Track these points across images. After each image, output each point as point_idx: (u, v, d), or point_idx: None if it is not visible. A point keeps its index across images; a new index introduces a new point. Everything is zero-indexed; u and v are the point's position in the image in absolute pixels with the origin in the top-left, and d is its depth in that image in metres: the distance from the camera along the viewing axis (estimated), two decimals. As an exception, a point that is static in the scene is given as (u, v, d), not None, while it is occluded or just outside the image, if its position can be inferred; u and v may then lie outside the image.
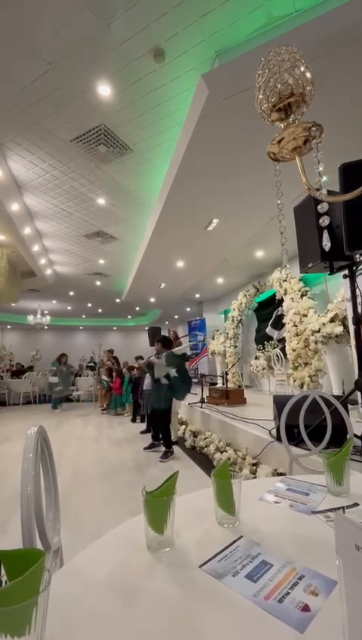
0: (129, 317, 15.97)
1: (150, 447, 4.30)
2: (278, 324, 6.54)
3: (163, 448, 4.05)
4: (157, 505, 0.64)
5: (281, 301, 5.82)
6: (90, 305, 12.97)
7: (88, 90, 3.15)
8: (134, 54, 2.82)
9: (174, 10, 2.49)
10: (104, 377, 8.12)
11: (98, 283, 9.75)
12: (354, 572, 0.38)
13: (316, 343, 4.76)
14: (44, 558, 0.41)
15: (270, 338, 7.02)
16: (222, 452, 3.62)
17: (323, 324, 4.65)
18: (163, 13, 2.50)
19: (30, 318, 11.16)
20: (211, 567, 0.57)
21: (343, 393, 4.22)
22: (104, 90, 3.14)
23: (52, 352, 14.35)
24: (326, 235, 0.79)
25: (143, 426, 5.60)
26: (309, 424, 1.75)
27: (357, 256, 2.06)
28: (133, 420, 6.59)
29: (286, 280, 5.78)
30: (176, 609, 0.48)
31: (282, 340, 6.12)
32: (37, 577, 0.39)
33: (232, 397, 5.14)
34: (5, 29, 2.57)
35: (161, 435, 4.18)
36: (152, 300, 10.88)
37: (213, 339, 9.54)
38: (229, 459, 3.26)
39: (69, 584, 0.55)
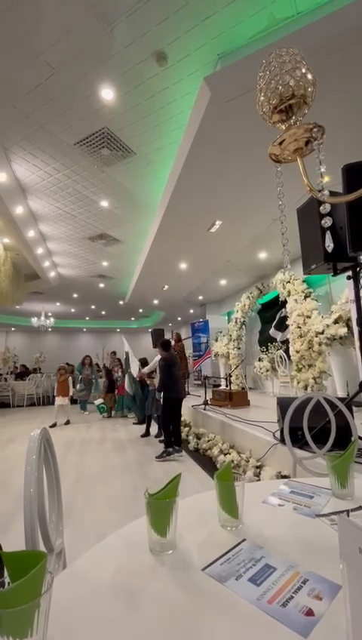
0: (132, 319, 16.01)
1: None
2: (282, 326, 6.52)
3: (173, 456, 4.04)
4: (160, 507, 0.63)
5: (285, 303, 5.80)
6: (93, 307, 13.02)
7: (91, 93, 3.17)
8: (137, 58, 2.84)
9: (176, 14, 2.51)
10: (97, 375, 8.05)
11: (101, 285, 9.79)
12: (358, 576, 0.38)
13: (320, 344, 4.74)
14: (46, 560, 0.41)
15: (273, 340, 7.00)
16: (225, 454, 3.60)
17: (327, 325, 4.63)
18: (165, 17, 2.52)
19: (34, 321, 11.22)
20: (214, 571, 0.57)
21: (347, 395, 4.20)
22: (107, 93, 3.17)
23: (56, 354, 14.49)
24: (328, 235, 0.79)
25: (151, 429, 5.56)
26: (313, 426, 1.74)
27: (361, 257, 2.05)
28: (140, 422, 6.58)
29: (289, 281, 5.76)
30: (178, 612, 0.48)
31: (286, 342, 6.09)
32: (39, 579, 0.39)
33: (236, 399, 5.13)
34: (9, 34, 2.60)
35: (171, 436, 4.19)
36: (155, 301, 10.90)
37: (217, 340, 9.53)
38: (233, 461, 3.25)
39: (72, 586, 0.55)
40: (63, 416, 6.81)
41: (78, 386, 8.30)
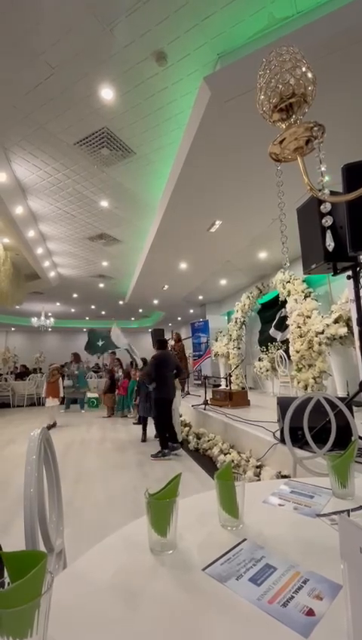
0: (132, 319, 16.01)
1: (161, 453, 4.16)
2: (282, 326, 6.52)
3: (169, 456, 4.03)
4: (160, 507, 0.63)
5: (285, 302, 5.80)
6: (93, 307, 13.02)
7: (91, 93, 3.17)
8: (136, 58, 2.84)
9: (175, 14, 2.50)
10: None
11: (101, 285, 9.79)
12: (359, 576, 0.38)
13: (320, 344, 4.73)
14: (46, 560, 0.41)
15: (273, 339, 7.00)
16: (225, 454, 3.60)
17: (327, 325, 4.63)
18: (164, 17, 2.52)
19: (34, 321, 11.22)
20: (214, 571, 0.57)
21: (348, 395, 4.20)
22: (107, 93, 3.17)
23: (56, 354, 14.48)
24: (329, 235, 0.79)
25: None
26: (313, 426, 1.74)
27: (361, 256, 2.05)
28: (139, 422, 6.56)
29: (289, 281, 5.76)
30: (178, 612, 0.48)
31: (286, 342, 6.09)
32: (39, 579, 0.39)
33: (236, 399, 5.13)
34: (9, 34, 2.60)
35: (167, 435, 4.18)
36: (155, 301, 10.90)
37: (217, 340, 9.52)
38: (233, 461, 3.25)
39: (72, 586, 0.55)
40: (51, 418, 6.39)
41: (64, 383, 8.25)
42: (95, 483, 3.26)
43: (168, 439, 4.15)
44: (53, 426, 6.29)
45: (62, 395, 6.70)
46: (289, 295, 5.65)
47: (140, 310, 13.25)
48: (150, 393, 5.28)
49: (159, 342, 4.54)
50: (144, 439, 5.23)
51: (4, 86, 3.06)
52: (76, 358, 8.49)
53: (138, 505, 2.60)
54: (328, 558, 0.58)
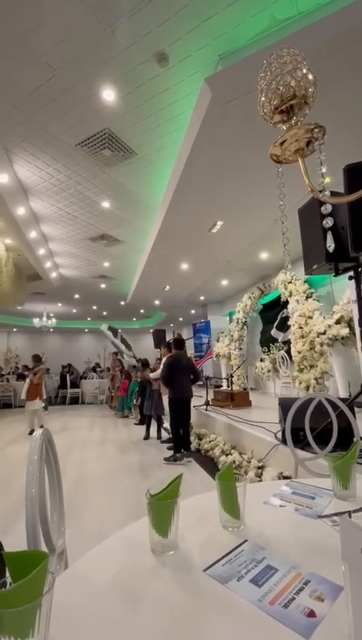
0: (134, 319, 16.01)
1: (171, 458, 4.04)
2: (283, 326, 6.50)
3: (182, 461, 3.99)
4: (161, 508, 0.63)
5: (286, 303, 5.79)
6: (95, 307, 13.04)
7: (93, 95, 3.18)
8: (138, 59, 2.84)
9: (177, 15, 2.51)
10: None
11: (103, 286, 9.80)
12: (360, 577, 0.38)
13: (322, 345, 4.72)
14: (48, 560, 0.41)
15: (275, 340, 6.99)
16: (227, 455, 3.60)
17: (329, 326, 4.62)
18: (166, 18, 2.52)
19: (36, 321, 11.24)
20: (215, 571, 0.57)
21: (349, 395, 4.19)
22: (108, 94, 3.17)
23: (58, 354, 14.50)
24: (329, 236, 0.79)
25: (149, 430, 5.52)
26: (315, 427, 1.73)
27: (363, 257, 2.04)
28: (140, 423, 6.58)
29: (291, 282, 5.75)
30: (179, 613, 0.48)
31: (287, 342, 6.08)
32: (40, 579, 0.39)
33: (237, 399, 5.12)
34: (10, 34, 2.61)
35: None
36: (157, 302, 10.90)
37: (218, 341, 9.51)
38: (234, 462, 3.24)
39: (73, 587, 0.55)
40: (40, 420, 6.07)
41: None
42: (96, 483, 3.26)
43: (182, 443, 4.11)
44: (41, 427, 6.04)
45: (45, 396, 6.30)
46: (290, 295, 5.64)
47: (142, 311, 13.26)
48: (153, 392, 5.29)
49: (176, 342, 4.44)
50: (147, 437, 5.25)
51: (6, 87, 3.07)
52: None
53: (139, 505, 2.60)
54: (329, 560, 0.58)
